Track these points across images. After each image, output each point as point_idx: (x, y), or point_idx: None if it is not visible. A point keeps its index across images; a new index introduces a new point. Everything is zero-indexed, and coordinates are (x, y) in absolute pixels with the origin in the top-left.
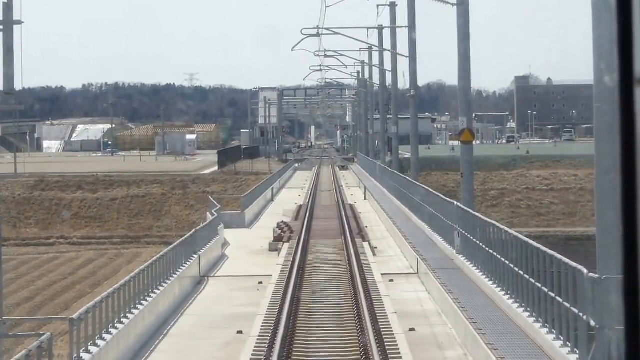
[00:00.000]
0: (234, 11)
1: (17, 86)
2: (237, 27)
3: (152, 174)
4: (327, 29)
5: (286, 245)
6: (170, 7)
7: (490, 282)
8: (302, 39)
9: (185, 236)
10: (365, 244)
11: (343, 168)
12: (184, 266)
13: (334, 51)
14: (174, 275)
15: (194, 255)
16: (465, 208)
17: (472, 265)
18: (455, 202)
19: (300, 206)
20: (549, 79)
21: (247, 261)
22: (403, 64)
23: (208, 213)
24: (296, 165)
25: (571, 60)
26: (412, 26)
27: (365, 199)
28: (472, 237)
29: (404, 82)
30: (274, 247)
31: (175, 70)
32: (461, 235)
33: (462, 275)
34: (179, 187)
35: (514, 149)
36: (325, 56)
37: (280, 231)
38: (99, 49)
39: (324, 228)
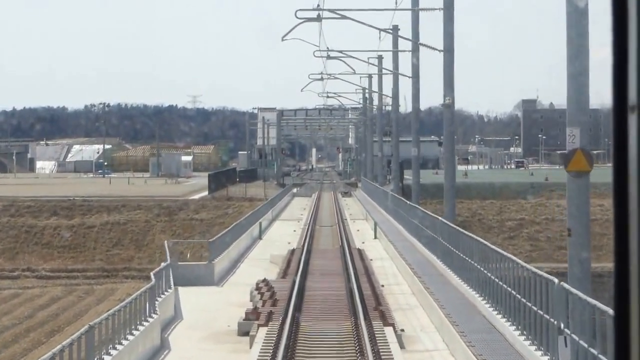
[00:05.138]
0: (239, 31)
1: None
2: (240, 50)
3: (136, 199)
4: (330, 10)
5: (263, 330)
6: (176, 27)
7: None
8: (297, 24)
9: (76, 334)
10: (388, 330)
11: (346, 194)
12: None
13: (339, 51)
14: None
15: None
16: (582, 295)
17: None
18: (557, 281)
19: (293, 251)
20: (551, 103)
21: None
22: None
23: (163, 265)
24: (294, 190)
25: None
26: (448, 7)
27: (375, 237)
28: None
29: (405, 107)
30: (245, 329)
31: (179, 91)
32: (572, 344)
33: None
34: (165, 213)
35: (527, 175)
36: (328, 57)
37: (259, 297)
38: (103, 70)
39: (324, 295)
